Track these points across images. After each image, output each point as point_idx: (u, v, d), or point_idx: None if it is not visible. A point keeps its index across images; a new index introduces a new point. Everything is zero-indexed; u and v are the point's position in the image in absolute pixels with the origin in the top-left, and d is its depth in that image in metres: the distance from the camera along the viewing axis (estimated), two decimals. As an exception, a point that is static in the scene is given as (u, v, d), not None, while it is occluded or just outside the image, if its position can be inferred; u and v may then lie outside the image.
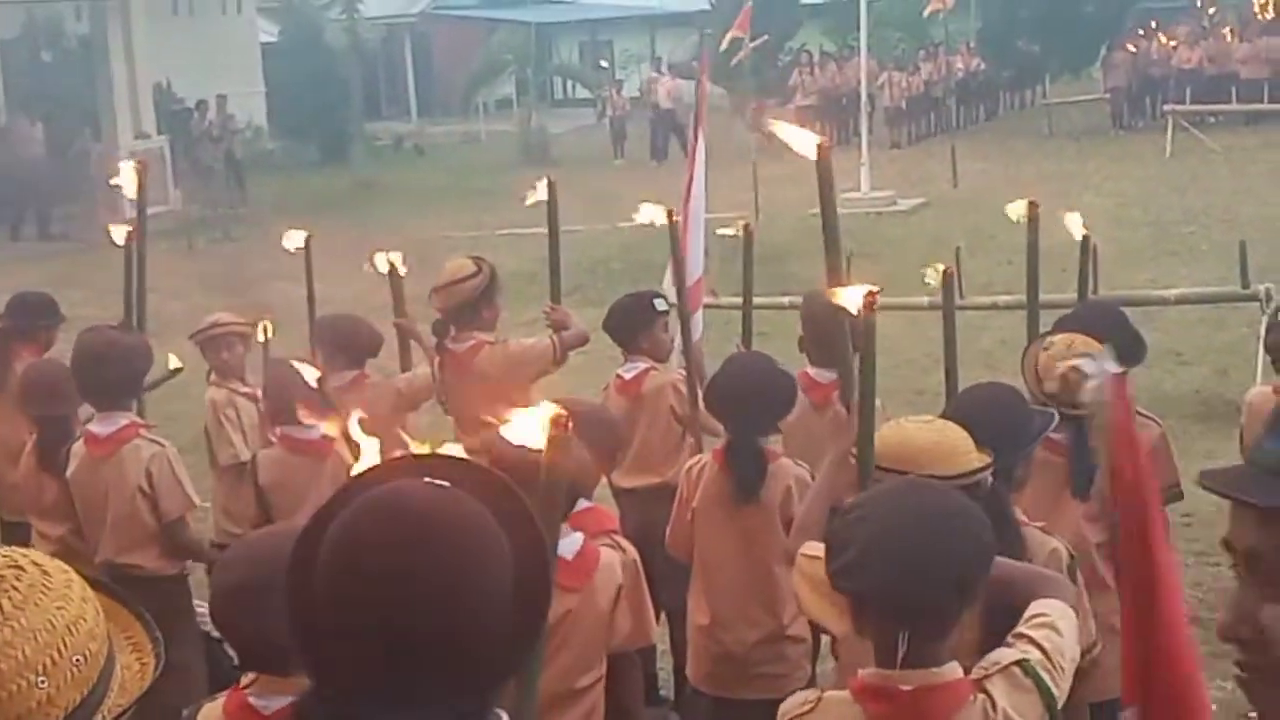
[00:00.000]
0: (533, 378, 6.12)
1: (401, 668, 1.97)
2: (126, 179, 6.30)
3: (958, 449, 3.37)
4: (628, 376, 6.10)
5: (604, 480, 5.51)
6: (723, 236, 6.08)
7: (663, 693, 6.24)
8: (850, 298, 3.25)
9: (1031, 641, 2.86)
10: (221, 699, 3.13)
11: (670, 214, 5.67)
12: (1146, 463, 2.58)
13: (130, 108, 25.49)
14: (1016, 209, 5.04)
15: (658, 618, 4.72)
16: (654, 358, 6.07)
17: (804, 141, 3.66)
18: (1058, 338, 4.72)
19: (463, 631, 1.97)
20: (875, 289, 3.24)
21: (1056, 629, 2.91)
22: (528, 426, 2.47)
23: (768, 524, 4.80)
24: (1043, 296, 6.14)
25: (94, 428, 5.56)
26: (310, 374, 4.83)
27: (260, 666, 3.07)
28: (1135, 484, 2.56)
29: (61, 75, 27.66)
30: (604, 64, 40.44)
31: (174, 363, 6.74)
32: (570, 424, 2.46)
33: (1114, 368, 2.59)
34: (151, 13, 26.57)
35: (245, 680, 3.11)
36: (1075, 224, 5.03)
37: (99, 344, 5.58)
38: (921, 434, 3.44)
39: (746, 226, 6.08)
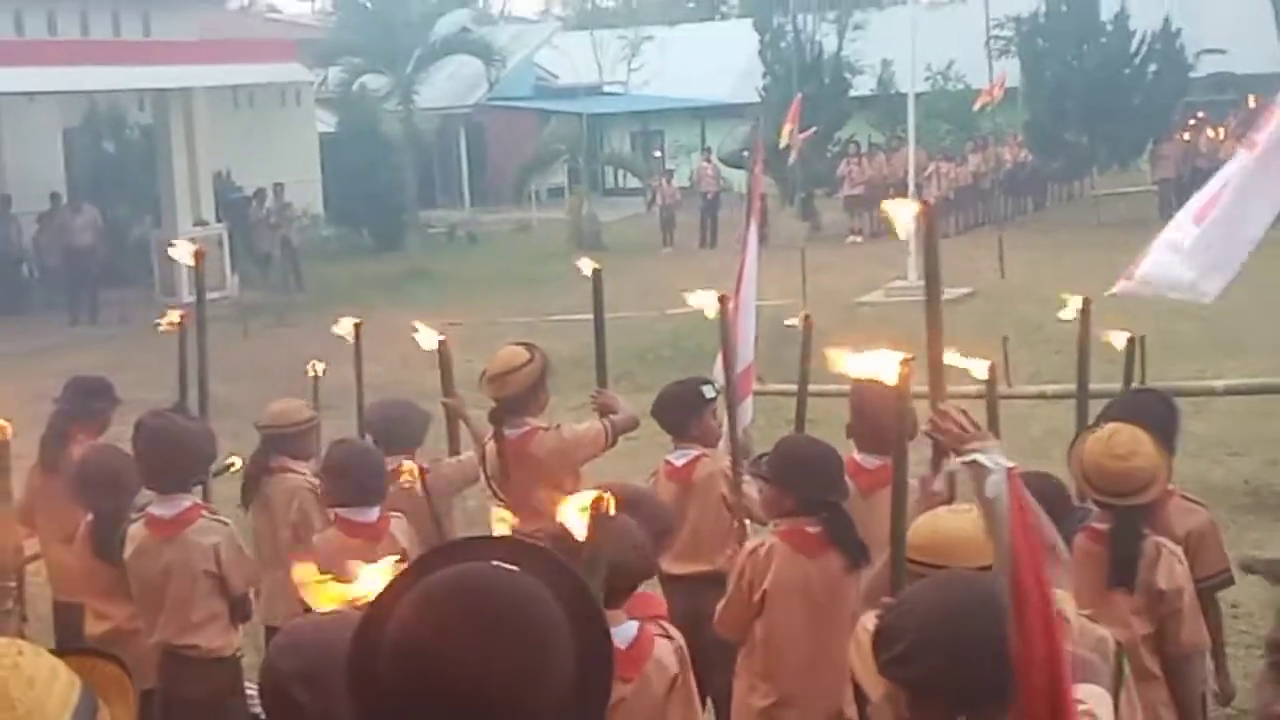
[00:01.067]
0: (584, 462, 6.19)
1: None
2: (182, 253, 6.46)
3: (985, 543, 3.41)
4: (678, 463, 6.15)
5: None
6: (780, 323, 6.17)
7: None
8: (885, 366, 3.24)
9: None
10: None
11: (723, 299, 5.75)
12: (1040, 558, 2.59)
13: (190, 196, 25.92)
14: (1072, 306, 5.09)
15: (704, 704, 4.76)
16: (703, 444, 6.11)
17: (905, 218, 3.72)
18: (1104, 428, 4.75)
19: (525, 715, 1.95)
20: (909, 356, 3.24)
21: (1095, 716, 2.92)
22: (574, 512, 2.50)
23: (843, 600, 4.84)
24: (1091, 386, 6.20)
25: (156, 510, 5.65)
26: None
27: None
28: (1033, 582, 2.55)
29: (123, 164, 28.20)
30: (657, 154, 40.87)
31: (234, 461, 6.80)
32: (613, 504, 2.49)
33: (1006, 462, 2.58)
34: (213, 104, 27.09)
35: None
36: (1118, 338, 5.05)
37: (167, 429, 5.67)
38: (954, 525, 3.48)
39: (807, 316, 6.16)
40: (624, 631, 3.72)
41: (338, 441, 6.23)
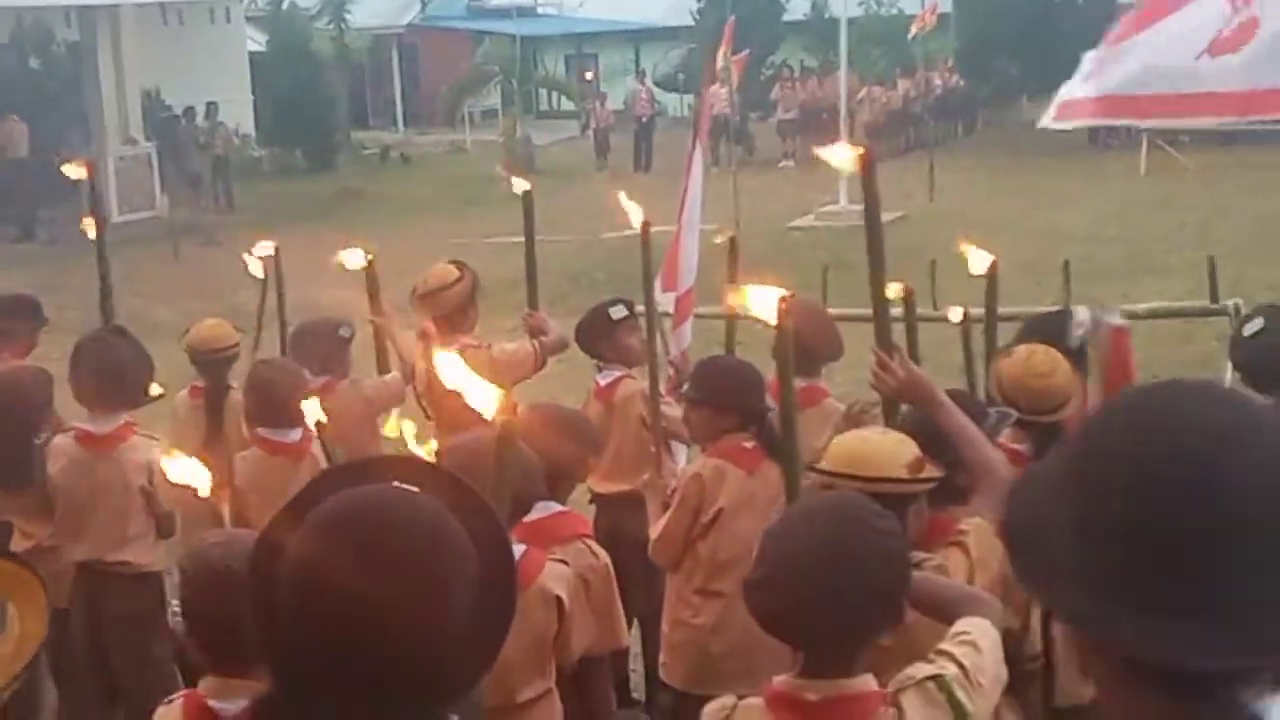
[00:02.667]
0: (515, 382, 6.27)
1: (364, 677, 1.93)
2: (74, 170, 6.45)
3: (900, 457, 3.47)
4: (603, 383, 6.26)
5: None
6: (710, 247, 6.23)
7: (635, 695, 6.36)
8: (764, 302, 3.30)
9: (950, 658, 2.91)
10: (179, 700, 3.12)
11: (646, 225, 5.79)
12: None
13: (119, 114, 25.60)
14: (978, 263, 5.14)
15: (629, 622, 4.83)
16: (624, 364, 6.20)
17: (843, 158, 3.78)
18: (1019, 348, 4.84)
19: (427, 642, 1.94)
20: (788, 293, 3.30)
21: (977, 647, 2.97)
22: (483, 397, 2.52)
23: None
24: (1014, 309, 6.29)
25: (89, 426, 5.67)
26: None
27: (221, 662, 3.06)
28: None
29: (50, 81, 27.76)
30: (589, 76, 40.65)
31: (155, 389, 6.74)
32: (517, 409, 2.52)
33: (1115, 319, 2.63)
34: (141, 20, 26.69)
35: (203, 683, 3.10)
36: (978, 259, 5.06)
37: (107, 351, 5.69)
38: (872, 439, 3.57)
39: (733, 238, 6.22)
40: None
41: (260, 361, 6.27)
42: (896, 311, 4.85)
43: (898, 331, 4.51)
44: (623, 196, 5.98)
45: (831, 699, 2.78)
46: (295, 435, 5.72)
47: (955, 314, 5.64)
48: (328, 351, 6.41)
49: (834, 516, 2.94)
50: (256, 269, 7.23)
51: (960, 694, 2.86)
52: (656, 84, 34.56)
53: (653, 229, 5.72)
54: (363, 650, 1.91)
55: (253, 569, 2.03)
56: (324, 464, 5.51)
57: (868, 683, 2.81)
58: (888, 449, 3.49)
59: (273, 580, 1.97)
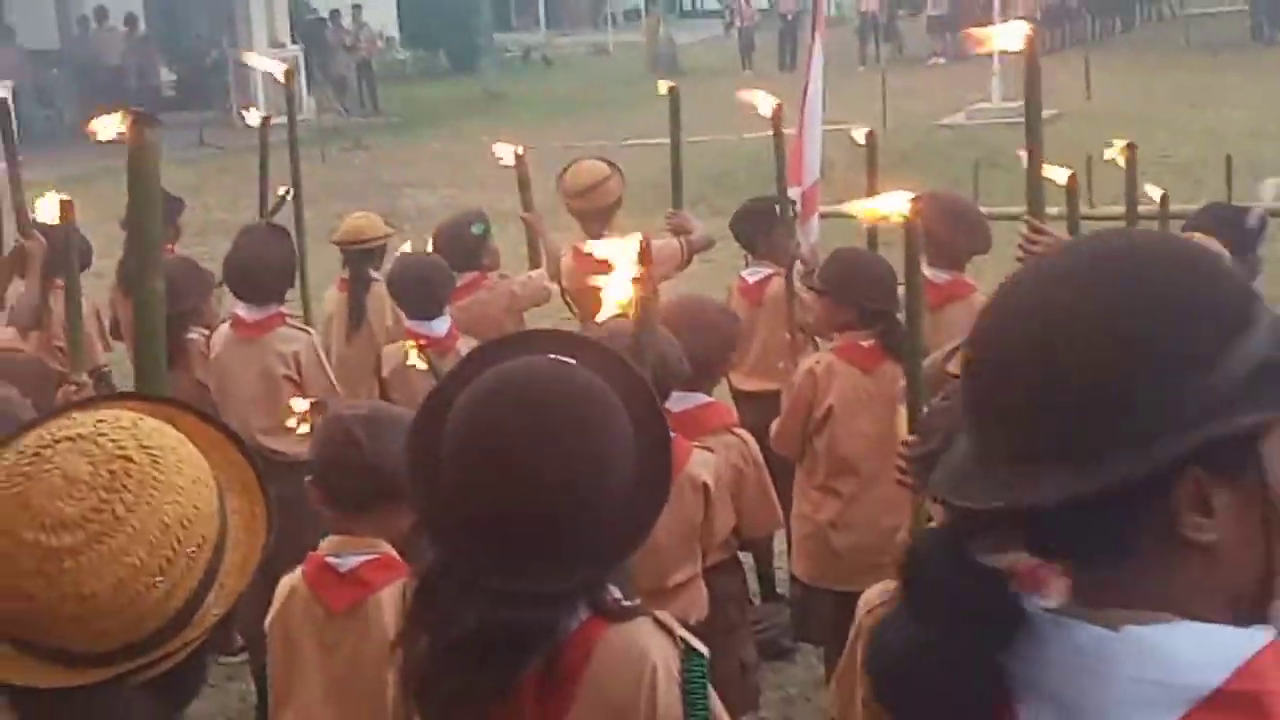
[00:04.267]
0: (661, 279, 6.20)
1: (523, 540, 1.99)
2: (273, 67, 6.42)
3: None
4: (751, 280, 6.16)
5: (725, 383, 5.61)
6: (852, 143, 6.07)
7: (780, 591, 6.33)
8: (893, 202, 3.18)
9: None
10: (301, 566, 3.26)
11: (778, 111, 5.67)
12: None
13: (266, 17, 25.82)
14: (1113, 151, 4.96)
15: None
16: (778, 263, 6.08)
17: (1010, 38, 3.66)
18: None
19: (587, 508, 1.99)
20: (916, 195, 3.18)
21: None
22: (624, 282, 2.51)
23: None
24: (1174, 207, 6.08)
25: (241, 312, 5.76)
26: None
27: (342, 519, 3.22)
28: None
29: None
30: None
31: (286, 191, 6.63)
32: (648, 252, 2.52)
33: None
34: (286, -76, 26.86)
35: (324, 542, 3.25)
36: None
37: (256, 245, 5.78)
38: None
39: (871, 133, 6.07)
40: None
41: (402, 254, 6.28)
42: (1055, 210, 4.69)
43: (1058, 226, 4.37)
44: (747, 93, 5.83)
45: None
46: (442, 328, 5.74)
47: (1154, 192, 5.44)
48: (466, 248, 6.40)
49: None
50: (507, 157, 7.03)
51: None
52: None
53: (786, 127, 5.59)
54: (523, 513, 1.97)
55: (414, 435, 2.09)
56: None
57: None
58: None
59: (435, 446, 2.03)
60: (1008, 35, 3.66)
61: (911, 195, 3.05)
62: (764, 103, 5.72)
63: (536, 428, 1.99)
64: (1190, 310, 1.25)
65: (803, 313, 5.66)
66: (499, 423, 2.00)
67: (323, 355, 5.79)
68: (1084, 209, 5.00)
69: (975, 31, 3.80)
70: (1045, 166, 4.05)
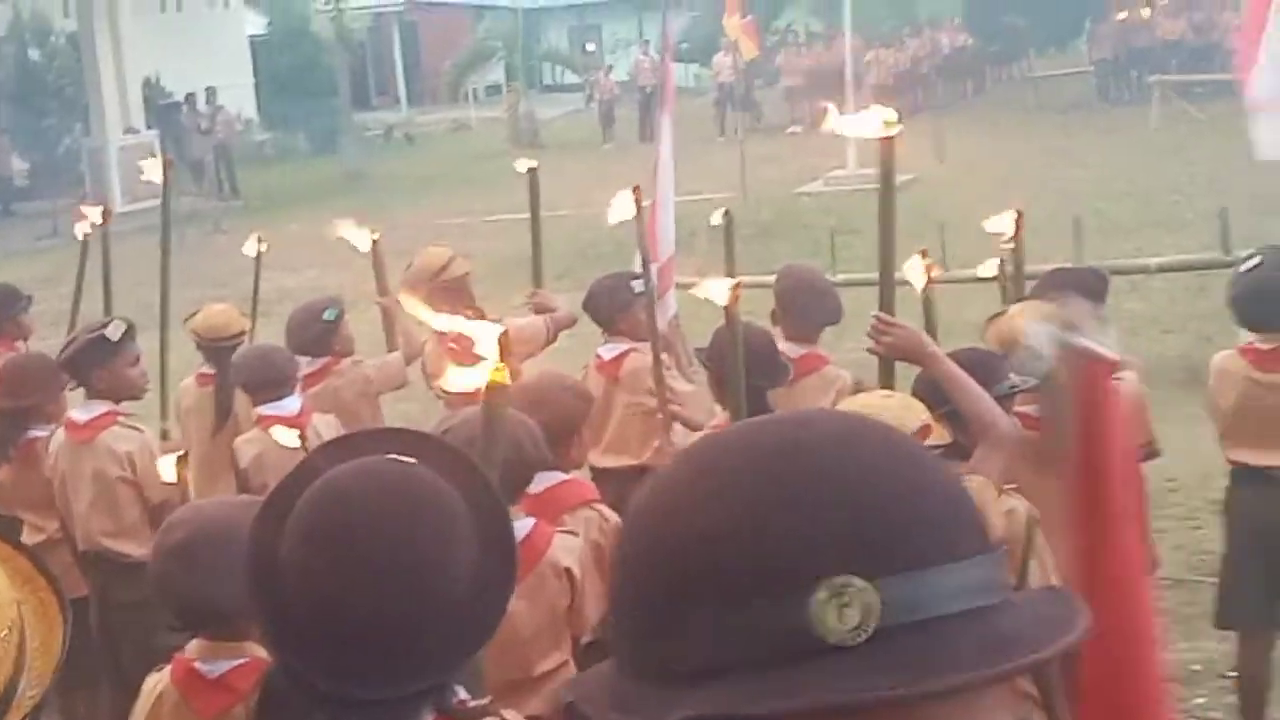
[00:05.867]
0: (525, 358, 6.17)
1: (368, 649, 1.95)
2: (153, 169, 6.40)
3: (905, 425, 3.36)
4: (607, 357, 6.14)
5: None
6: (722, 214, 6.14)
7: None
8: (718, 290, 3.20)
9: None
10: (168, 667, 3.17)
11: (636, 191, 5.72)
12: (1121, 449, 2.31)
13: (119, 103, 25.51)
14: (1000, 224, 5.10)
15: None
16: (632, 338, 6.08)
17: (869, 126, 3.69)
18: (1014, 307, 4.79)
19: (427, 611, 1.96)
20: (736, 281, 3.22)
21: None
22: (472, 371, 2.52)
23: None
24: (1030, 268, 6.21)
25: (73, 414, 5.63)
26: None
27: (199, 627, 3.13)
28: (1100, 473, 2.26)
29: (50, 73, 27.70)
30: (591, 48, 40.50)
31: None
32: (509, 341, 2.51)
33: (1080, 340, 2.26)
34: (139, 8, 26.63)
35: (188, 648, 3.15)
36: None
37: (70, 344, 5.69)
38: (874, 409, 3.47)
39: (727, 212, 6.11)
40: (518, 528, 3.72)
41: (244, 347, 6.24)
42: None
43: (917, 295, 4.45)
44: (615, 205, 5.86)
45: None
46: (294, 406, 5.67)
47: (988, 269, 5.55)
48: (318, 334, 6.35)
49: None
50: (250, 249, 7.17)
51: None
52: (660, 53, 34.36)
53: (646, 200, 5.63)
54: (362, 618, 1.94)
55: (253, 542, 2.04)
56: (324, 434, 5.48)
57: None
58: (892, 417, 3.40)
59: (274, 553, 1.99)
60: (866, 123, 3.71)
61: (732, 283, 3.09)
62: (625, 208, 5.73)
63: (375, 532, 1.97)
64: (762, 540, 0.97)
65: (678, 397, 5.65)
66: (336, 527, 1.97)
67: (157, 452, 5.64)
68: (937, 273, 5.09)
69: (836, 124, 3.84)
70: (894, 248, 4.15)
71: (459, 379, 2.57)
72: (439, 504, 2.01)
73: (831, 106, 3.93)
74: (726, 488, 1.00)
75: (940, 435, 3.45)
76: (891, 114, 3.66)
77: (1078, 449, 2.30)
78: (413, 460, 2.06)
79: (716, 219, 5.87)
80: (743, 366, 3.26)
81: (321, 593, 1.95)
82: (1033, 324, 2.53)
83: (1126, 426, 2.39)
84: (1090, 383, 2.24)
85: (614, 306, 6.12)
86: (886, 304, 3.92)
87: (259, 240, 7.14)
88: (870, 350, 3.92)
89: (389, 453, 2.08)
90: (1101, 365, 2.24)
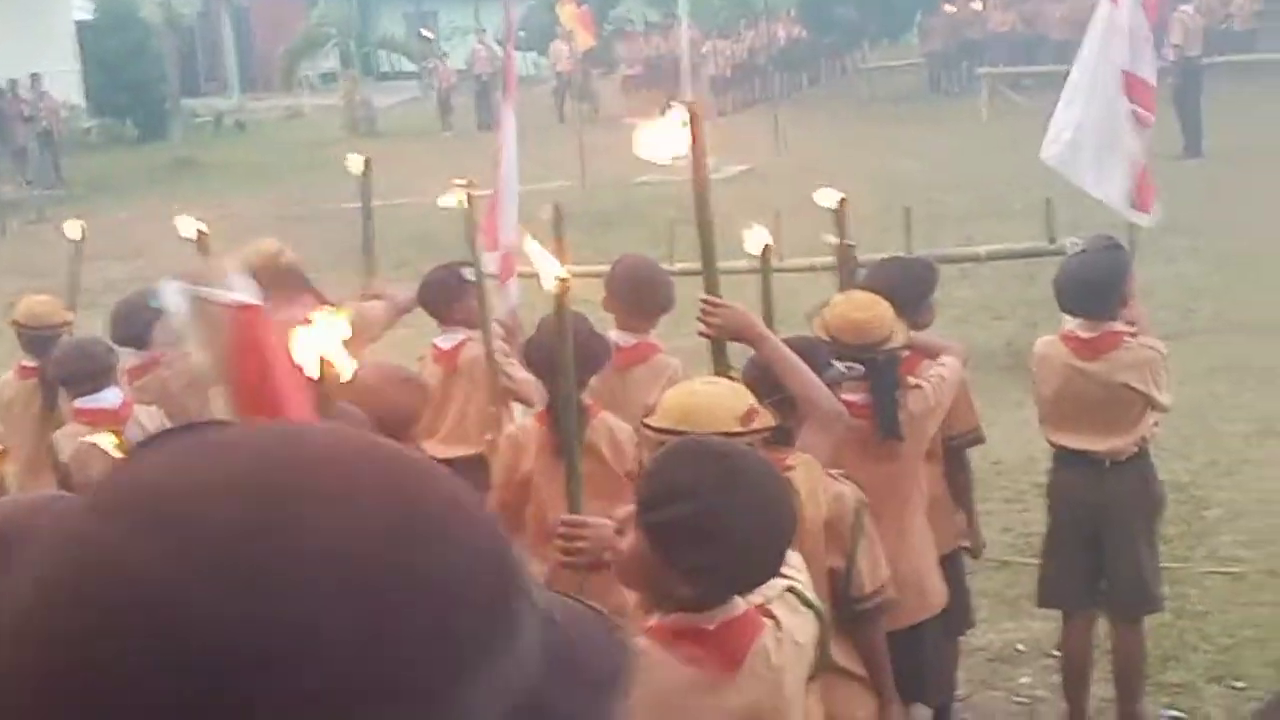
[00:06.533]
0: (363, 343, 6.10)
1: None
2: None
3: (732, 409, 3.43)
4: (445, 346, 6.11)
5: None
6: (551, 209, 6.13)
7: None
8: (547, 271, 3.21)
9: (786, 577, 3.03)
10: None
11: (470, 185, 5.71)
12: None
13: (-63, 89, 24.68)
14: (828, 198, 5.16)
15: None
16: (470, 327, 6.05)
17: (671, 142, 3.73)
18: (839, 295, 4.86)
19: None
20: (566, 277, 3.24)
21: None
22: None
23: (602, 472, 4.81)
24: (863, 258, 6.31)
25: None
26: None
27: None
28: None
29: None
30: (428, 34, 40.10)
31: None
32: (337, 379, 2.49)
33: (233, 296, 2.49)
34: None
35: None
36: (827, 197, 5.12)
37: None
38: (701, 394, 3.50)
39: (556, 207, 6.09)
40: None
41: (64, 340, 6.08)
42: (744, 264, 4.83)
43: (753, 283, 4.50)
44: (443, 198, 5.86)
45: (724, 622, 2.84)
46: (114, 399, 5.55)
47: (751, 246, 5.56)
48: (143, 325, 6.21)
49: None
50: (73, 232, 6.98)
51: (812, 598, 3.03)
52: (500, 42, 34.18)
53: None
54: None
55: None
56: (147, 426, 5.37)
57: (743, 603, 2.89)
58: (719, 401, 3.44)
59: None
60: (671, 124, 3.75)
61: (561, 274, 3.11)
62: (457, 196, 5.75)
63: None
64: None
65: (507, 381, 5.64)
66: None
67: None
68: (774, 263, 5.14)
69: (642, 136, 3.88)
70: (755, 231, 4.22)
71: (309, 358, 2.54)
72: None
73: (640, 127, 3.96)
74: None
75: (763, 419, 3.48)
76: (685, 113, 3.72)
77: (242, 382, 2.51)
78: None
79: (546, 213, 5.86)
80: (572, 357, 3.27)
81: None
82: (164, 285, 2.57)
83: (283, 351, 2.56)
84: (242, 325, 2.46)
85: (448, 296, 6.08)
86: (712, 289, 3.95)
87: (81, 227, 6.94)
88: (700, 333, 3.96)
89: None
90: (242, 310, 2.46)
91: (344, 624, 0.74)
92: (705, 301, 3.89)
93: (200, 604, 0.73)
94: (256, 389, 2.41)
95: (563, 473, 4.00)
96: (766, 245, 4.49)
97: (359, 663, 0.74)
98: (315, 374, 2.50)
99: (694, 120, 3.75)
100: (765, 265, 4.67)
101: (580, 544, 3.48)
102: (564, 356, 3.25)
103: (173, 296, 2.35)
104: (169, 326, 2.31)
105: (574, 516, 3.49)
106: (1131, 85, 6.91)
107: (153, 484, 0.79)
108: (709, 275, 3.96)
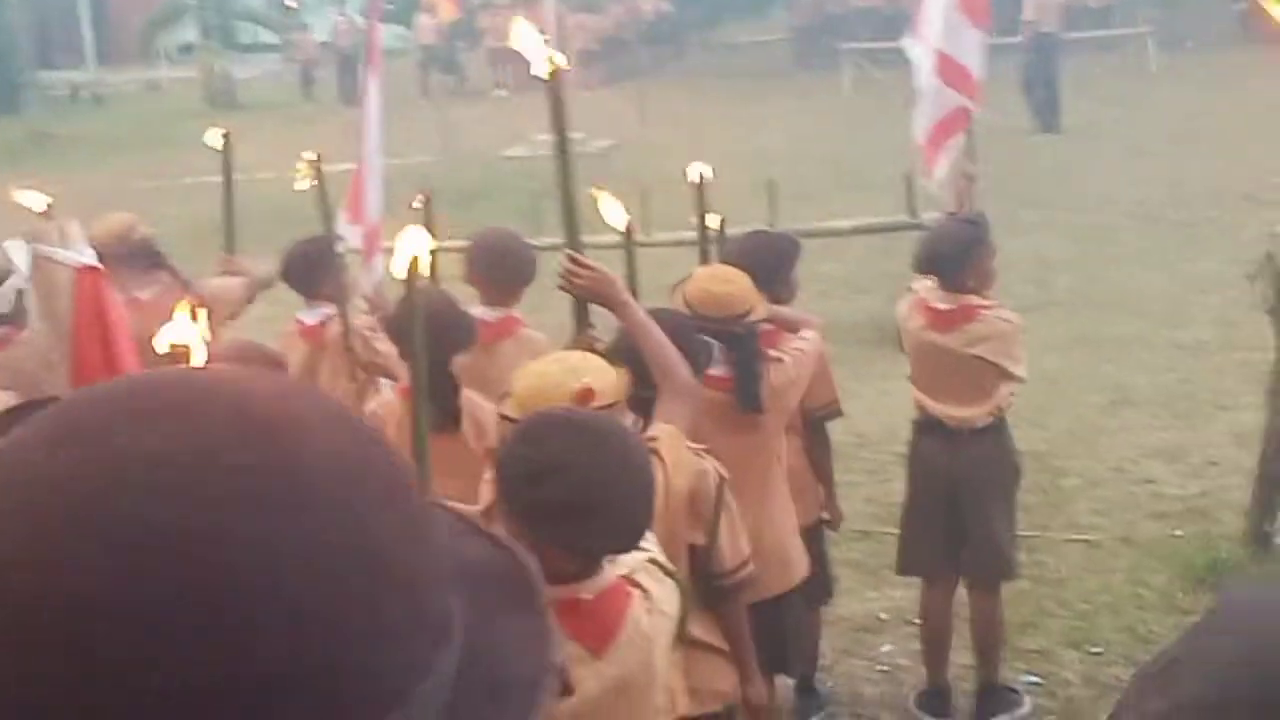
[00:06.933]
0: (222, 320, 6.00)
1: None
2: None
3: (566, 388, 3.42)
4: (310, 322, 6.01)
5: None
6: (427, 181, 6.08)
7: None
8: (401, 253, 3.20)
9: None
10: None
11: (318, 160, 5.67)
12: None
13: None
14: (695, 170, 5.18)
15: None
16: (337, 301, 5.97)
17: (538, 58, 3.71)
18: (701, 268, 4.88)
19: None
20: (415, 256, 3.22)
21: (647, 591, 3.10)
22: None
23: (464, 452, 4.77)
24: (727, 232, 6.33)
25: None
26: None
27: None
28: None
29: None
30: (291, 4, 39.46)
31: None
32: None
33: (76, 257, 2.57)
34: None
35: None
36: (695, 169, 5.17)
37: None
38: (539, 374, 3.50)
39: (427, 199, 6.01)
40: None
41: None
42: (612, 239, 4.82)
43: (618, 257, 4.50)
44: (300, 165, 5.83)
45: (601, 593, 2.91)
46: None
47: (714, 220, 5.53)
48: None
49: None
50: None
51: (671, 569, 3.13)
52: (364, 15, 33.74)
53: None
54: None
55: None
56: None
57: (612, 573, 2.95)
58: (555, 382, 3.43)
59: None
60: (537, 62, 3.74)
61: (413, 253, 3.09)
62: (305, 174, 5.72)
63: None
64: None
65: (368, 352, 5.60)
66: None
67: None
68: (640, 237, 5.14)
69: (517, 30, 3.86)
70: (606, 201, 4.20)
71: (162, 340, 2.50)
72: None
73: (519, 21, 3.94)
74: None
75: (602, 398, 3.45)
76: (560, 57, 3.72)
77: (81, 342, 2.64)
78: None
79: (417, 203, 5.80)
80: (423, 335, 3.24)
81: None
82: (7, 245, 2.63)
83: (117, 319, 2.65)
84: (85, 286, 2.55)
85: (314, 270, 5.98)
86: (573, 245, 3.94)
87: None
88: (561, 288, 3.94)
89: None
90: (85, 271, 2.56)
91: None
92: (571, 259, 3.85)
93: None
94: (98, 352, 2.41)
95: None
96: (629, 221, 4.49)
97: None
98: (164, 350, 2.46)
99: (557, 91, 3.73)
100: (629, 240, 4.68)
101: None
102: (414, 334, 3.23)
103: (16, 255, 2.34)
104: (9, 288, 2.27)
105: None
106: (945, 67, 6.84)
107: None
108: (570, 235, 3.95)
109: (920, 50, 7.19)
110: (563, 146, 3.88)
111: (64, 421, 0.78)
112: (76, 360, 2.37)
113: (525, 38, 3.78)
